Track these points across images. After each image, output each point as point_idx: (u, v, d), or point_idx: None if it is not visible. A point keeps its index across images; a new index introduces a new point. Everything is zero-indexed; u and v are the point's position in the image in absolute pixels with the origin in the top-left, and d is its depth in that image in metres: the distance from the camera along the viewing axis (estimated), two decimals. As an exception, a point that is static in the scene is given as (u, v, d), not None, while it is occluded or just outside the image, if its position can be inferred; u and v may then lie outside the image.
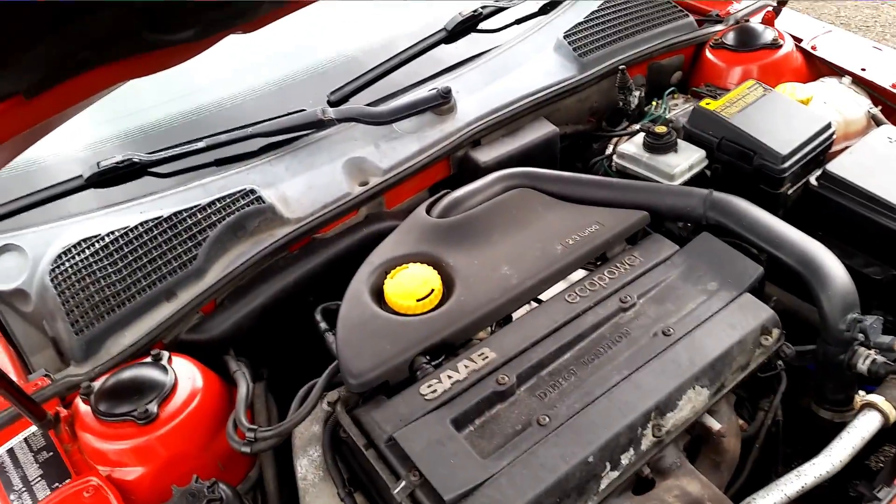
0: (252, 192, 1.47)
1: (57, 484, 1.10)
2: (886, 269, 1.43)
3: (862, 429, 1.15)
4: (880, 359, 1.24)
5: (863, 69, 1.82)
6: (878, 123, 1.72)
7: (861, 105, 1.74)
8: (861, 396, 1.20)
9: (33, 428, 1.17)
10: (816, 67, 1.92)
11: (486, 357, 1.19)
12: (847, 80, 1.81)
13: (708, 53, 1.95)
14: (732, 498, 1.16)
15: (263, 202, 1.46)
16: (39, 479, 1.11)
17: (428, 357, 1.19)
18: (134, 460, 1.13)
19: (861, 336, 1.22)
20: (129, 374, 1.21)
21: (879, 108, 1.74)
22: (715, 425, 1.26)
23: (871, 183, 1.44)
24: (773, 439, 1.39)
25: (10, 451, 1.15)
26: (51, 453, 1.15)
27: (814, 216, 1.50)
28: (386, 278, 1.29)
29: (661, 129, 1.59)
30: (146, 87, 1.55)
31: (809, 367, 1.37)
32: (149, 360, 1.23)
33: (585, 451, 1.06)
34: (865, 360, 1.25)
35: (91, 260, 1.37)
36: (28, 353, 1.39)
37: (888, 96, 1.79)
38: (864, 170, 1.47)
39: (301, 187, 1.53)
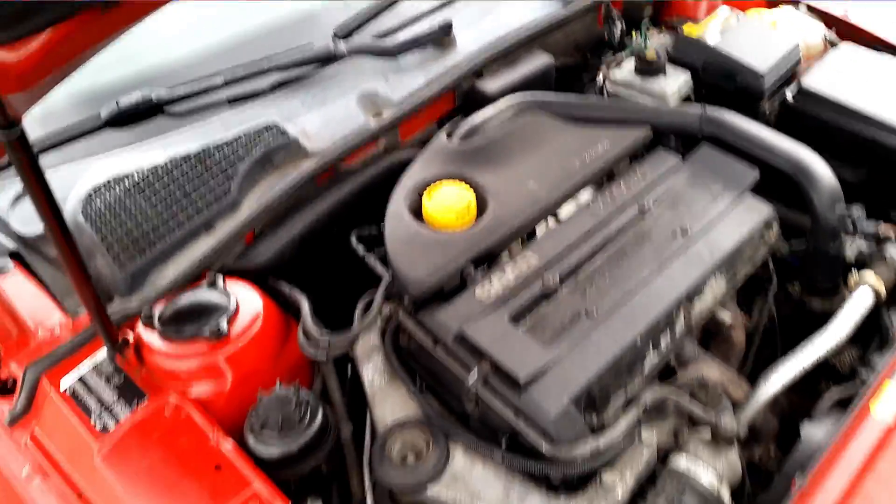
0: (275, 125, 1.49)
1: (136, 404, 1.14)
2: (859, 172, 1.61)
3: (858, 303, 1.32)
4: (864, 245, 1.41)
5: (816, -1, 2.00)
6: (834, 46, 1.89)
7: (818, 30, 1.91)
8: (854, 276, 1.36)
9: (99, 356, 1.19)
10: (776, -2, 2.08)
11: (530, 262, 1.29)
12: (803, 7, 1.98)
13: (676, -14, 2.08)
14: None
15: (287, 135, 1.49)
16: (117, 401, 1.14)
17: (474, 265, 1.28)
18: (208, 377, 1.17)
19: (850, 223, 1.39)
20: (189, 297, 1.24)
21: (833, 31, 1.92)
22: (727, 318, 1.41)
23: (844, 95, 1.61)
24: (770, 332, 1.55)
25: (82, 379, 1.17)
26: (122, 378, 1.17)
27: (792, 129, 1.65)
28: (423, 198, 1.36)
29: (650, 54, 1.70)
30: (141, 31, 1.55)
31: (793, 261, 1.54)
32: (204, 284, 1.26)
33: (633, 333, 1.18)
34: (852, 247, 1.42)
35: (125, 197, 1.37)
36: (60, 298, 1.39)
37: (839, 24, 1.96)
38: (833, 83, 1.63)
39: (318, 121, 1.56)
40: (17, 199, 1.41)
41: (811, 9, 2.01)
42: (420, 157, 1.47)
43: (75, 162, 1.46)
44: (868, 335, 1.38)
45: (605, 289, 1.26)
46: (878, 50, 1.79)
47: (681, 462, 1.05)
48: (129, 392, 1.16)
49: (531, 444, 1.06)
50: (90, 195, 1.37)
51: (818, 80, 1.65)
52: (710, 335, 1.46)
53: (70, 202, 1.39)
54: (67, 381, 1.17)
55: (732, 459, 1.07)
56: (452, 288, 1.26)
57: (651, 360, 1.22)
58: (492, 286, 1.24)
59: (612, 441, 1.07)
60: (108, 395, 1.15)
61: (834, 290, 1.48)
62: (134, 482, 1.07)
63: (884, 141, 1.57)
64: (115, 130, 1.49)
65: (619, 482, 1.05)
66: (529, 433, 1.06)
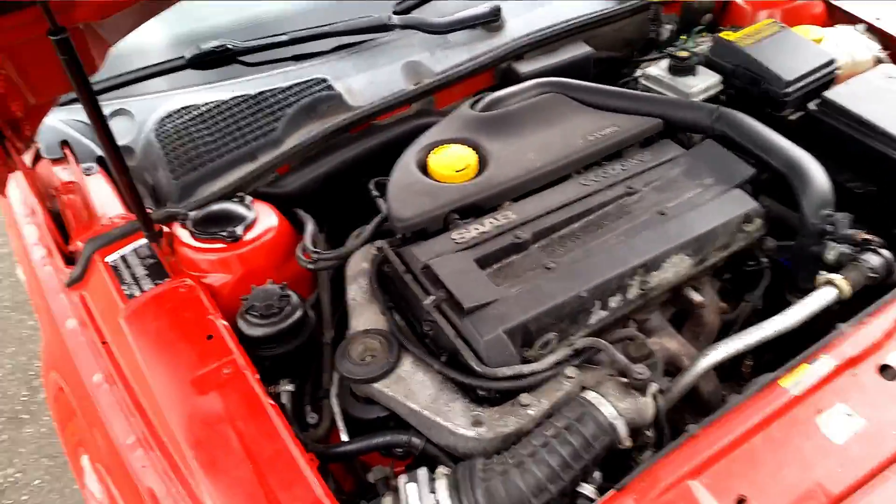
0: (324, 80, 1.73)
1: (159, 281, 1.40)
2: (867, 184, 1.63)
3: (819, 298, 1.37)
4: (845, 249, 1.45)
5: (877, 18, 1.99)
6: (885, 67, 1.89)
7: (871, 49, 1.91)
8: (822, 275, 1.41)
9: (141, 241, 1.46)
10: (835, 16, 2.09)
11: (508, 217, 1.44)
12: (861, 27, 1.98)
13: (737, -2, 2.14)
14: None
15: (333, 90, 1.73)
16: (146, 277, 1.41)
17: (459, 215, 1.45)
18: (220, 269, 1.42)
19: (831, 228, 1.43)
20: (219, 206, 1.50)
21: (887, 53, 1.91)
22: (696, 297, 1.49)
23: (864, 109, 1.63)
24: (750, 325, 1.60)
25: (123, 257, 1.45)
26: (154, 260, 1.44)
27: (812, 138, 1.69)
28: (430, 154, 1.55)
29: (683, 52, 1.79)
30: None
31: (784, 262, 1.58)
32: (235, 199, 1.51)
33: (580, 286, 1.30)
34: (833, 251, 1.46)
35: (190, 124, 1.66)
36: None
37: (900, 45, 1.96)
38: (858, 98, 1.66)
39: (364, 82, 1.79)
40: (110, 116, 1.72)
41: (873, 29, 2.00)
42: (442, 121, 1.66)
43: (160, 93, 1.76)
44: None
45: (572, 250, 1.39)
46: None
47: (589, 395, 1.17)
48: (157, 272, 1.42)
49: (465, 362, 1.22)
50: (163, 119, 1.67)
51: (843, 93, 1.68)
52: (684, 316, 1.54)
53: (148, 123, 1.69)
54: (112, 257, 1.45)
55: (642, 404, 1.17)
56: (436, 231, 1.43)
57: (597, 315, 1.34)
58: (468, 232, 1.40)
59: (536, 370, 1.21)
60: (140, 271, 1.42)
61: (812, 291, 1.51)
62: (144, 339, 1.32)
63: (896, 158, 1.59)
64: (196, 71, 1.77)
65: (535, 404, 1.19)
66: (465, 352, 1.22)
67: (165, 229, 1.47)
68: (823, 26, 2.00)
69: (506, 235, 1.40)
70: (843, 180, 1.61)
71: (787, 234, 1.58)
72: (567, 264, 1.35)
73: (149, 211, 1.53)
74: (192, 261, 1.44)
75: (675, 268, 1.41)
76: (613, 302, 1.35)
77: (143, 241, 1.46)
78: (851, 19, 2.03)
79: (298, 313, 1.34)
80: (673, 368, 1.40)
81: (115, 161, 1.27)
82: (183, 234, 1.46)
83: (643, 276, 1.37)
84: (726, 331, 1.54)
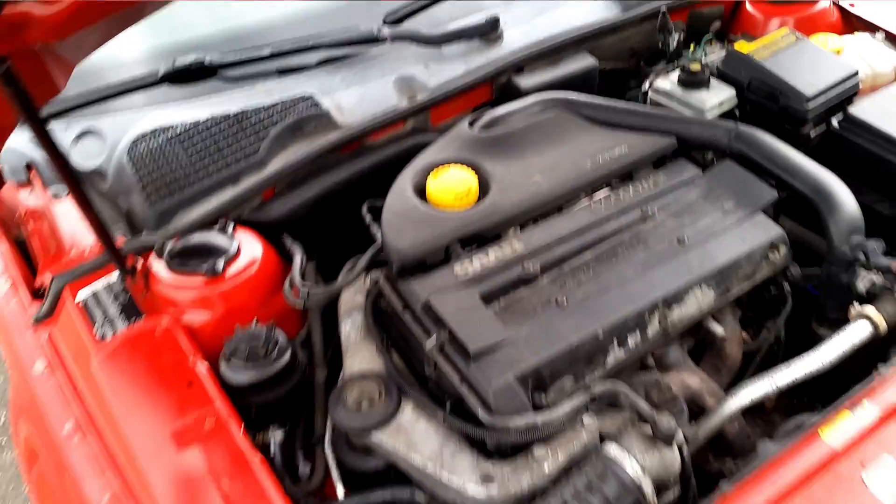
0: (311, 97, 1.61)
1: (133, 320, 1.27)
2: (895, 206, 1.52)
3: (853, 334, 1.26)
4: (878, 279, 1.34)
5: (897, 26, 1.90)
6: (908, 78, 1.79)
7: (891, 59, 1.81)
8: (856, 308, 1.30)
9: (114, 276, 1.33)
10: (852, 24, 1.99)
11: (515, 248, 1.32)
12: (880, 35, 1.88)
13: (747, 5, 2.03)
14: None
15: (320, 107, 1.60)
16: (119, 316, 1.28)
17: (461, 245, 1.33)
18: (200, 307, 1.29)
19: (863, 256, 1.33)
20: (198, 237, 1.37)
21: (910, 62, 1.82)
22: (718, 330, 1.39)
23: (890, 125, 1.53)
24: (774, 356, 1.50)
25: (95, 294, 1.32)
26: (128, 297, 1.31)
27: (834, 156, 1.58)
28: (428, 177, 1.43)
29: (695, 66, 1.68)
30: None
31: (811, 289, 1.48)
32: (216, 228, 1.39)
33: (596, 325, 1.19)
34: (864, 280, 1.35)
35: (165, 145, 1.53)
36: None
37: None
38: (884, 114, 1.56)
39: (354, 98, 1.67)
40: (79, 136, 1.59)
41: (892, 37, 1.90)
42: (439, 140, 1.54)
43: (133, 110, 1.63)
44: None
45: (584, 283, 1.28)
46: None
47: (611, 449, 1.06)
48: (131, 310, 1.30)
49: (472, 410, 1.10)
50: (136, 140, 1.54)
51: (868, 108, 1.58)
52: (704, 346, 1.43)
53: (121, 144, 1.56)
54: (83, 294, 1.32)
55: (668, 458, 1.06)
56: (436, 262, 1.31)
57: (614, 355, 1.22)
58: (471, 265, 1.28)
59: (550, 419, 1.09)
60: (114, 309, 1.30)
61: (843, 321, 1.41)
62: (119, 386, 1.20)
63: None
64: (171, 86, 1.64)
65: (550, 457, 1.07)
66: (471, 400, 1.11)
67: (140, 263, 1.34)
68: (840, 34, 1.90)
69: (513, 268, 1.29)
70: (869, 202, 1.51)
71: (809, 257, 1.47)
72: (581, 300, 1.24)
73: (121, 241, 1.41)
74: (169, 298, 1.31)
75: (698, 301, 1.30)
76: (632, 340, 1.24)
77: (117, 274, 1.34)
78: (869, 27, 1.93)
79: (287, 356, 1.22)
80: (695, 407, 1.29)
81: (77, 196, 1.15)
82: (159, 268, 1.34)
83: (663, 312, 1.26)
84: (748, 362, 1.45)
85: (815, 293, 1.48)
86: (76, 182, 1.14)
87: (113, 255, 1.26)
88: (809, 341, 1.46)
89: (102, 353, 1.23)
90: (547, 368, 1.15)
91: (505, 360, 1.13)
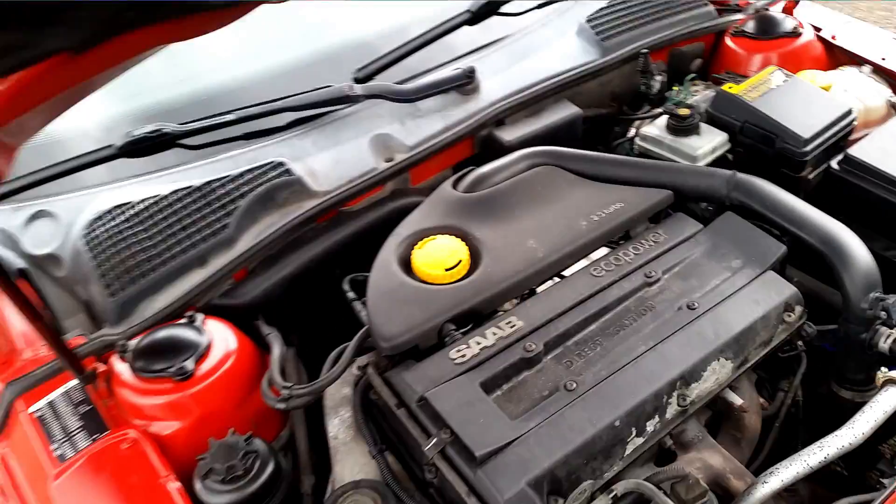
0: (281, 164, 1.49)
1: (96, 436, 1.14)
2: (907, 254, 1.46)
3: (885, 403, 1.17)
4: (902, 337, 1.26)
5: (882, 58, 1.84)
6: (899, 112, 1.74)
7: (881, 93, 1.76)
8: (883, 373, 1.22)
9: (72, 383, 1.20)
10: (836, 57, 1.94)
11: (514, 325, 1.21)
12: (867, 69, 1.84)
13: (728, 41, 1.97)
14: (753, 474, 1.18)
15: (292, 174, 1.49)
16: (79, 430, 1.14)
17: (455, 325, 1.22)
18: (170, 415, 1.16)
19: (883, 315, 1.25)
20: (164, 333, 1.24)
21: (899, 96, 1.77)
22: (737, 400, 1.28)
23: (893, 166, 1.46)
24: (793, 420, 1.41)
25: (51, 404, 1.18)
26: (89, 407, 1.18)
27: (835, 200, 1.52)
28: (414, 249, 1.32)
29: (684, 111, 1.61)
30: (170, 63, 1.59)
31: (827, 347, 1.40)
32: (184, 321, 1.26)
33: (612, 415, 1.08)
34: (887, 339, 1.27)
35: (124, 226, 1.40)
36: (60, 317, 1.42)
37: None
38: (885, 154, 1.49)
39: (328, 161, 1.55)
40: (30, 219, 1.46)
41: (879, 70, 1.86)
42: (422, 205, 1.43)
43: (88, 188, 1.50)
44: None
45: (593, 361, 1.17)
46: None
47: (641, 567, 0.95)
48: (93, 422, 1.16)
49: (482, 524, 0.99)
50: (93, 221, 1.41)
51: (868, 149, 1.51)
52: (721, 416, 1.34)
53: (75, 227, 1.42)
54: (38, 406, 1.18)
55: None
56: (429, 346, 1.20)
57: (633, 444, 1.12)
58: (469, 348, 1.17)
59: (571, 531, 0.98)
60: (73, 422, 1.16)
61: (867, 382, 1.33)
62: (80, 515, 1.06)
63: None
64: (129, 160, 1.51)
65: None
66: (480, 513, 0.99)
67: (101, 367, 1.21)
68: (825, 69, 1.85)
69: (513, 348, 1.17)
70: (878, 249, 1.43)
71: (820, 310, 1.39)
72: (591, 383, 1.13)
73: (80, 339, 1.27)
74: (135, 405, 1.17)
75: (716, 375, 1.20)
76: (650, 426, 1.13)
77: (75, 381, 1.20)
78: (854, 59, 1.88)
79: (269, 469, 1.09)
80: (719, 490, 1.18)
81: (11, 295, 1.02)
82: (123, 371, 1.20)
83: (682, 391, 1.16)
84: (766, 428, 1.35)
85: (831, 350, 1.40)
86: (8, 281, 1.01)
87: (66, 361, 1.12)
88: (827, 401, 1.39)
89: (60, 475, 1.09)
90: (562, 469, 1.03)
91: (515, 462, 1.02)
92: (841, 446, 1.13)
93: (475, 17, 1.78)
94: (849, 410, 1.32)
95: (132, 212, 1.41)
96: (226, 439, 1.08)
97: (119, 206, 1.43)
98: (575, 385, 1.12)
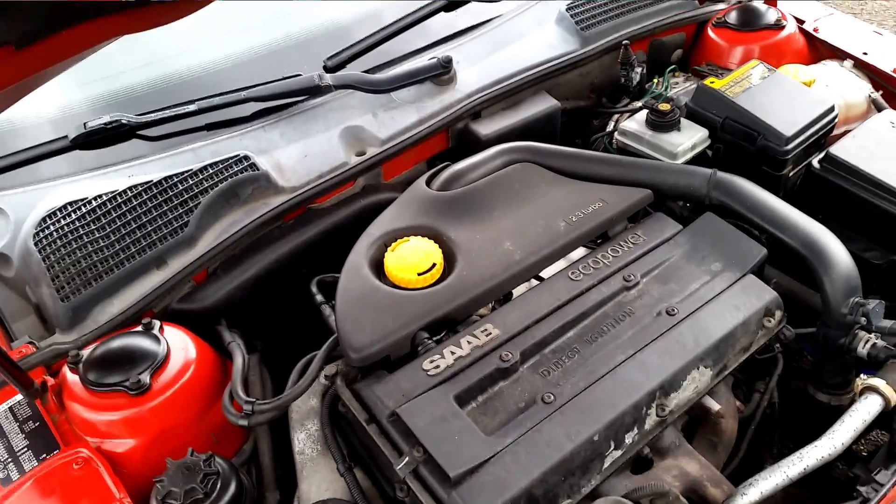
0: (246, 158, 1.42)
1: (45, 455, 1.06)
2: (886, 253, 1.43)
3: (864, 411, 1.16)
4: (881, 343, 1.24)
5: (864, 53, 1.81)
6: (879, 108, 1.71)
7: (862, 89, 1.73)
8: (861, 380, 1.20)
9: (18, 397, 1.12)
10: (818, 50, 1.91)
11: (489, 333, 1.17)
12: (849, 63, 1.80)
13: (710, 32, 1.93)
14: (728, 478, 1.16)
15: (257, 169, 1.41)
16: (26, 449, 1.07)
17: (429, 332, 1.17)
18: (125, 432, 1.09)
19: (863, 320, 1.22)
20: (119, 342, 1.17)
21: (880, 92, 1.74)
22: (714, 406, 1.26)
23: (874, 166, 1.44)
24: (769, 421, 1.39)
25: (-5, 421, 1.10)
26: (37, 423, 1.10)
27: (815, 199, 1.49)
28: (386, 251, 1.26)
29: (664, 106, 1.56)
30: (131, 48, 1.50)
31: (806, 348, 1.38)
32: (140, 328, 1.19)
33: (591, 429, 1.04)
34: (866, 344, 1.25)
35: (77, 224, 1.32)
36: (9, 320, 1.34)
37: (889, 81, 1.78)
38: (866, 153, 1.46)
39: (296, 155, 1.48)
40: (-24, 219, 1.37)
41: (861, 65, 1.82)
42: (394, 203, 1.37)
43: (40, 183, 1.41)
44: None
45: (571, 371, 1.13)
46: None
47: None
48: (42, 440, 1.09)
49: (456, 548, 0.94)
50: (44, 219, 1.33)
51: (849, 148, 1.48)
52: (698, 420, 1.31)
53: (25, 225, 1.34)
54: (-20, 422, 1.11)
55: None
56: (401, 356, 1.15)
57: (611, 458, 1.08)
58: (442, 359, 1.12)
59: (549, 555, 0.94)
60: (19, 441, 1.08)
61: (844, 385, 1.31)
62: (27, 543, 0.99)
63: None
64: (84, 152, 1.43)
65: None
66: (454, 536, 0.95)
67: (49, 380, 1.13)
68: (807, 62, 1.81)
69: (489, 358, 1.13)
70: (857, 250, 1.41)
71: (798, 311, 1.36)
72: (569, 395, 1.09)
73: (26, 347, 1.20)
74: (87, 421, 1.10)
75: (695, 384, 1.17)
76: (629, 438, 1.10)
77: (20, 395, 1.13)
78: (836, 53, 1.85)
79: (231, 490, 1.02)
80: (696, 497, 1.16)
81: None
82: (74, 383, 1.13)
83: (661, 401, 1.12)
84: (742, 431, 1.32)
85: (810, 352, 1.38)
86: None
87: (10, 375, 1.05)
88: (803, 403, 1.38)
89: (5, 499, 1.02)
90: (539, 487, 0.99)
91: (491, 483, 0.97)
92: (820, 457, 1.11)
93: (451, 4, 1.71)
94: (825, 413, 1.31)
95: (86, 209, 1.33)
96: (184, 460, 1.02)
97: (72, 203, 1.34)
98: (552, 398, 1.08)
